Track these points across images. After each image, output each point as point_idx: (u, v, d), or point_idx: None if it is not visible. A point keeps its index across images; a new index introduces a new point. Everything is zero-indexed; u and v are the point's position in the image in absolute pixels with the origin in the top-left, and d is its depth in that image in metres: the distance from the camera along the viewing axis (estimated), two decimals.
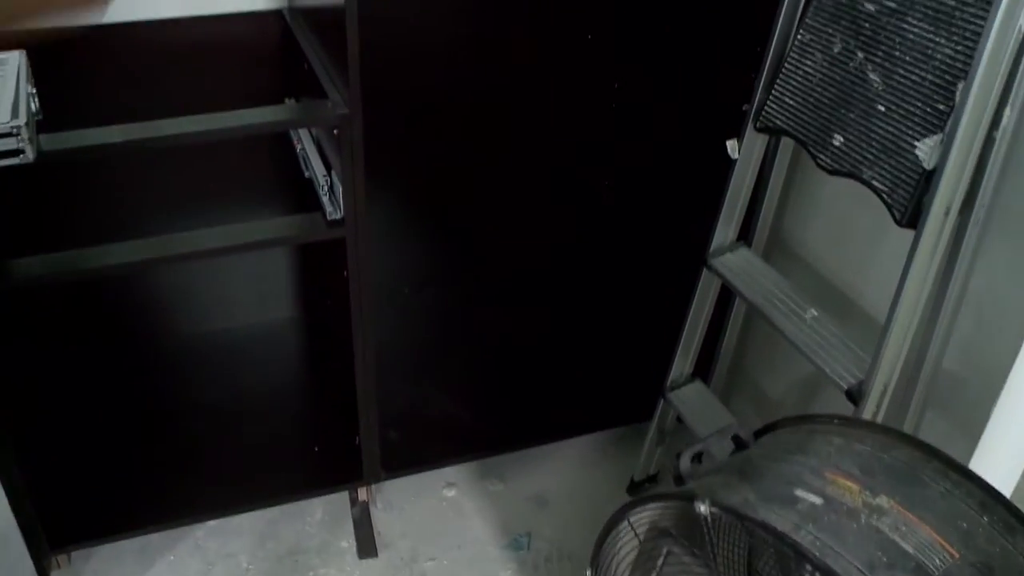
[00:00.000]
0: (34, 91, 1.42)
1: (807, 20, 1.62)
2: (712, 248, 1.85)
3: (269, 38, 2.05)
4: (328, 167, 1.72)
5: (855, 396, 1.55)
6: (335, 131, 1.59)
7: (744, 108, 1.75)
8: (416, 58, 1.90)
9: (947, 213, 1.40)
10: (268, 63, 2.06)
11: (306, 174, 1.81)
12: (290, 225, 1.75)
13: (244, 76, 2.06)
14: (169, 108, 1.92)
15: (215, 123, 1.52)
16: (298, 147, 1.87)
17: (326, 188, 1.67)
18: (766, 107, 1.68)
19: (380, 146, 1.71)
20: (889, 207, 1.45)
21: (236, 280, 2.35)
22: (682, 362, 2.01)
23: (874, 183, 1.48)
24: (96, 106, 1.94)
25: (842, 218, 1.86)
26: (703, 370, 2.10)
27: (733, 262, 1.85)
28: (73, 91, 1.90)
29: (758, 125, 1.71)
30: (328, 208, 1.65)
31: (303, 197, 1.92)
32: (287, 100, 2.04)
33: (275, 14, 2.04)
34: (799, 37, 1.64)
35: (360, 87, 1.55)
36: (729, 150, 1.77)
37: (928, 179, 1.40)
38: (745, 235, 1.90)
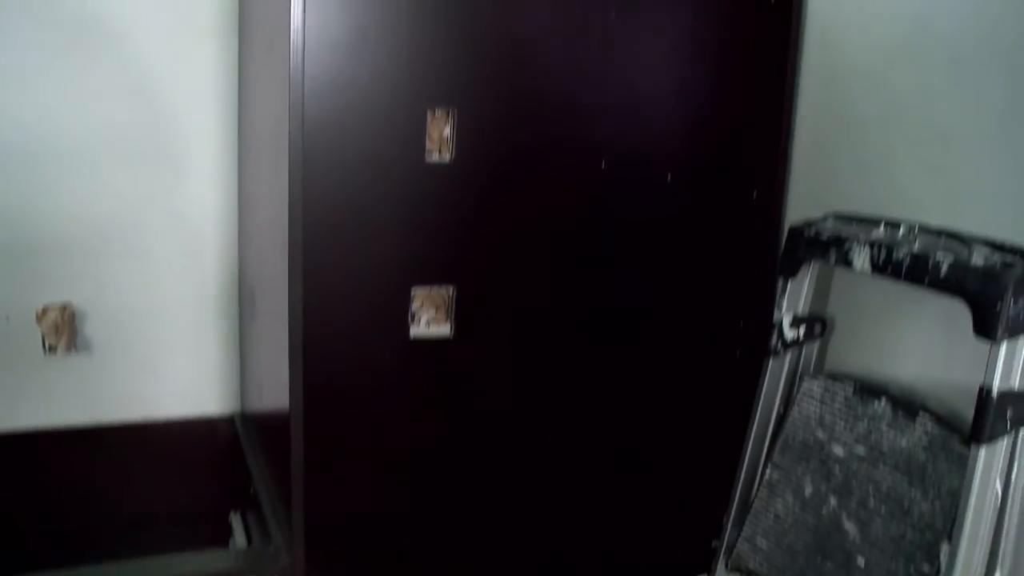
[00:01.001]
0: None
1: (775, 458, 1.56)
2: None
3: (219, 445, 1.98)
4: None
5: None
6: None
7: (713, 544, 1.65)
8: (365, 468, 1.78)
9: None
10: (216, 473, 1.98)
11: None
12: None
13: (191, 485, 1.98)
14: (113, 520, 1.85)
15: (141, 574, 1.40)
16: None
17: None
18: (737, 546, 1.59)
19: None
20: None
21: None
22: None
23: None
24: (37, 512, 1.85)
25: None
26: None
27: None
28: (10, 499, 1.82)
29: (729, 565, 1.60)
30: None
31: None
32: (233, 513, 1.94)
33: (226, 420, 1.99)
34: (767, 474, 1.57)
35: (304, 531, 1.45)
36: None
37: None
38: None
